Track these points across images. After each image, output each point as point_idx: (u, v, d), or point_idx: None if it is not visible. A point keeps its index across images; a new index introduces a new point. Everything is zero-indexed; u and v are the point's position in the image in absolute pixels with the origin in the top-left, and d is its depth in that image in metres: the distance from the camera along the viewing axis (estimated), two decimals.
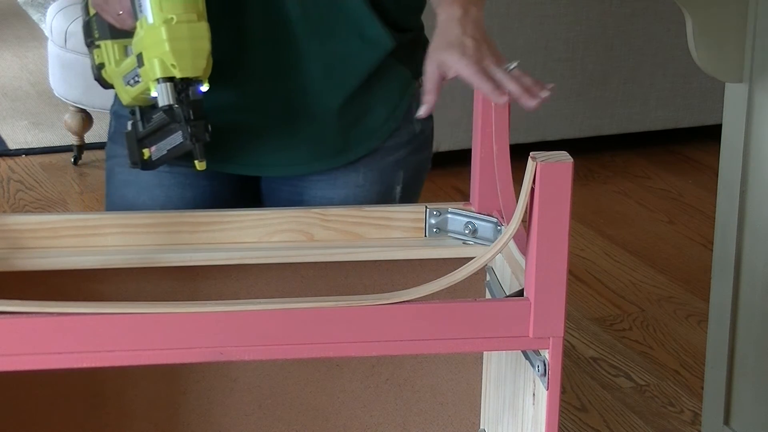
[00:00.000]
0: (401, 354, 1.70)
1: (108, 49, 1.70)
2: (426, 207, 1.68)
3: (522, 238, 1.49)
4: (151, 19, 1.56)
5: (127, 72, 1.66)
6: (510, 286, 1.57)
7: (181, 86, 1.54)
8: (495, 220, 1.65)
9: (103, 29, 1.69)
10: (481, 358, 1.74)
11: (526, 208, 1.42)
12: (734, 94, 2.23)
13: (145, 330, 1.37)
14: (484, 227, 1.66)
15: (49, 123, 4.58)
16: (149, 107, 1.64)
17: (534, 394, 1.49)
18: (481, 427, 1.75)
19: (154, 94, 1.57)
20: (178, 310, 1.38)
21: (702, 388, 2.48)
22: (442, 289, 1.43)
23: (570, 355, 2.97)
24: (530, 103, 1.50)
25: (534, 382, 1.49)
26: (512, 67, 1.53)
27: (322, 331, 1.39)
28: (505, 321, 1.42)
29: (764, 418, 2.26)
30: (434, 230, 1.68)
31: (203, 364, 1.67)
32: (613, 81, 4.16)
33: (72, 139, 4.22)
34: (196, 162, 1.58)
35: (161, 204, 1.79)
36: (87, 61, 4.51)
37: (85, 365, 1.38)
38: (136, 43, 1.59)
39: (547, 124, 4.06)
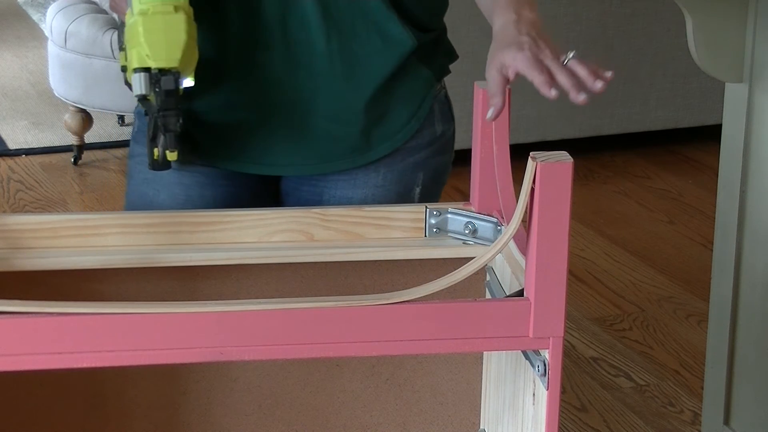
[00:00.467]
0: (401, 354, 1.70)
1: None
2: (426, 207, 1.68)
3: (522, 238, 1.49)
4: (132, 11, 1.58)
5: None
6: (510, 286, 1.57)
7: (156, 77, 1.55)
8: (495, 220, 1.65)
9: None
10: (481, 358, 1.74)
11: (526, 208, 1.42)
12: (734, 94, 2.23)
13: (145, 330, 1.37)
14: (484, 227, 1.66)
15: (49, 123, 4.58)
16: None
17: (534, 394, 1.49)
18: (481, 427, 1.75)
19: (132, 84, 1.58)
20: (178, 310, 1.38)
21: (702, 388, 2.48)
22: (442, 289, 1.43)
23: (570, 355, 2.97)
24: (578, 97, 1.49)
25: (534, 382, 1.49)
26: (569, 57, 1.53)
27: (322, 331, 1.39)
28: (505, 321, 1.42)
29: (764, 418, 2.26)
30: (434, 230, 1.68)
31: (203, 364, 1.67)
32: (613, 81, 4.15)
33: (72, 139, 4.23)
34: (167, 152, 1.58)
35: (181, 202, 1.80)
36: (87, 61, 4.50)
37: (85, 365, 1.38)
38: (125, 36, 1.61)
39: (547, 124, 4.06)
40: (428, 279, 1.48)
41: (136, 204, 1.82)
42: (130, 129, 3.58)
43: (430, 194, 1.85)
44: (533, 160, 1.41)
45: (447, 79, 1.88)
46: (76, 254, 1.61)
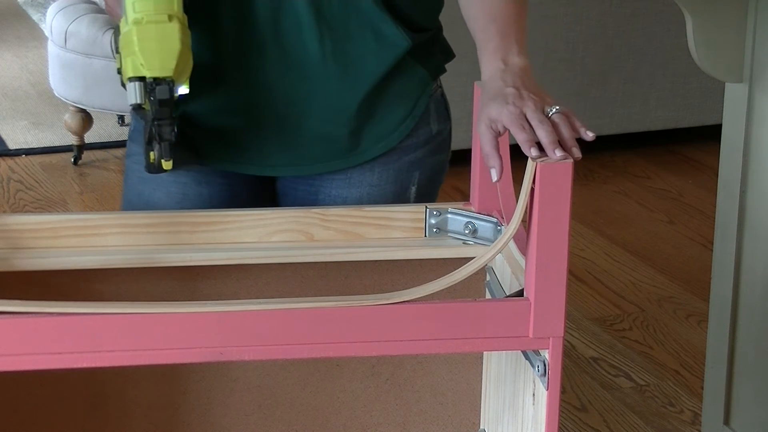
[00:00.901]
0: (401, 354, 1.70)
1: None
2: (426, 207, 1.68)
3: (522, 238, 1.50)
4: (126, 20, 1.57)
5: None
6: (510, 286, 1.57)
7: (150, 86, 1.55)
8: (495, 220, 1.65)
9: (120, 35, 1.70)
10: (481, 358, 1.74)
11: (526, 208, 1.42)
12: (734, 94, 2.23)
13: (145, 330, 1.37)
14: (484, 227, 1.66)
15: (49, 123, 4.58)
16: None
17: (534, 394, 1.49)
18: (481, 427, 1.75)
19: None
20: (178, 310, 1.38)
21: (702, 388, 2.48)
22: (442, 289, 1.43)
23: (570, 355, 2.97)
24: (554, 154, 1.43)
25: (534, 382, 1.49)
26: (553, 111, 1.49)
27: (322, 331, 1.39)
28: (505, 321, 1.42)
29: (764, 418, 2.26)
30: (434, 230, 1.68)
31: (203, 364, 1.67)
32: (613, 81, 4.16)
33: (72, 139, 4.23)
34: (162, 161, 1.58)
35: (178, 200, 1.80)
36: (87, 61, 4.49)
37: (85, 365, 1.38)
38: (119, 44, 1.61)
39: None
40: (428, 279, 1.48)
41: (132, 202, 1.82)
42: None
43: (426, 193, 1.85)
44: (533, 160, 1.41)
45: (447, 80, 1.87)
46: (76, 254, 1.61)
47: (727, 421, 2.34)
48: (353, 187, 1.81)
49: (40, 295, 1.49)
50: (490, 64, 1.59)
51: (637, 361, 2.97)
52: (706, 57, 2.17)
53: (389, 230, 1.67)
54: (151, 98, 1.55)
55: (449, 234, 1.68)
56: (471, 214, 1.67)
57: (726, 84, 2.23)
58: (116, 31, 1.70)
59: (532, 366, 1.48)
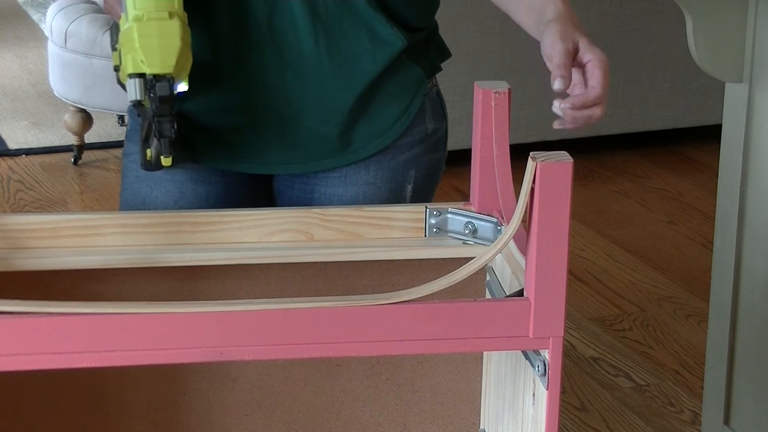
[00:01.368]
0: (401, 354, 1.70)
1: None
2: (426, 207, 1.68)
3: (522, 238, 1.49)
4: (127, 17, 1.58)
5: None
6: (510, 286, 1.57)
7: (150, 83, 1.56)
8: (495, 220, 1.65)
9: (119, 32, 1.70)
10: (481, 358, 1.74)
11: (526, 208, 1.42)
12: (734, 94, 2.23)
13: (145, 330, 1.37)
14: (484, 227, 1.66)
15: (49, 123, 4.59)
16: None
17: (534, 394, 1.49)
18: (481, 427, 1.75)
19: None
20: (178, 310, 1.38)
21: (702, 388, 2.48)
22: (442, 289, 1.43)
23: (570, 355, 2.97)
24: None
25: (534, 382, 1.49)
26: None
27: (322, 331, 1.39)
28: (505, 321, 1.42)
29: (764, 418, 2.26)
30: (434, 230, 1.68)
31: (203, 364, 1.67)
32: (613, 81, 4.14)
33: (72, 139, 4.23)
34: (161, 157, 1.58)
35: (175, 199, 1.80)
36: (87, 61, 4.50)
37: (85, 365, 1.38)
38: (119, 41, 1.61)
39: (547, 124, 4.05)
40: (428, 279, 1.48)
41: (130, 201, 1.83)
42: None
43: (423, 192, 1.85)
44: (533, 160, 1.41)
45: (447, 79, 1.88)
46: (76, 254, 1.61)
47: (727, 421, 2.34)
48: (349, 186, 1.81)
49: (40, 295, 1.49)
50: (553, 5, 1.62)
51: (637, 361, 2.97)
52: (706, 57, 2.18)
53: (389, 230, 1.67)
54: (151, 95, 1.56)
55: (449, 234, 1.68)
56: (471, 214, 1.67)
57: (726, 84, 2.23)
58: (113, 29, 1.70)
59: (532, 366, 1.48)
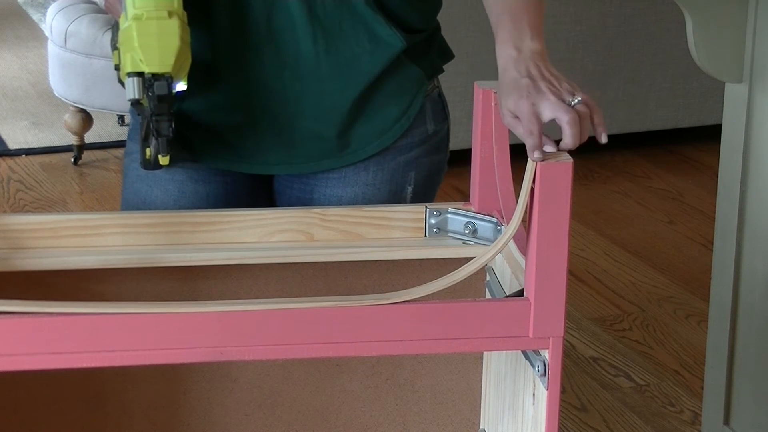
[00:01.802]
0: (401, 354, 1.70)
1: None
2: (426, 207, 1.68)
3: (522, 238, 1.49)
4: (126, 16, 1.58)
5: None
6: (510, 286, 1.57)
7: (149, 81, 1.56)
8: (495, 220, 1.65)
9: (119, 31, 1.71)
10: (481, 358, 1.74)
11: (526, 208, 1.42)
12: (734, 94, 2.22)
13: (146, 330, 1.37)
14: (484, 227, 1.66)
15: (49, 123, 4.58)
16: None
17: (534, 394, 1.49)
18: (481, 427, 1.75)
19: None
20: (178, 310, 1.38)
21: (702, 388, 2.48)
22: (442, 289, 1.43)
23: (570, 355, 2.97)
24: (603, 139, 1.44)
25: (534, 382, 1.49)
26: (575, 102, 1.46)
27: (322, 331, 1.39)
28: (505, 321, 1.42)
29: (764, 418, 2.26)
30: (434, 230, 1.68)
31: (203, 364, 1.67)
32: (613, 81, 4.16)
33: (72, 139, 4.22)
34: (159, 156, 1.58)
35: (175, 198, 1.80)
36: (87, 61, 4.49)
37: (85, 365, 1.38)
38: (119, 40, 1.61)
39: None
40: (428, 279, 1.48)
41: (130, 201, 1.83)
42: None
43: (423, 193, 1.85)
44: (533, 160, 1.41)
45: (447, 80, 1.87)
46: (76, 254, 1.61)
47: (727, 421, 2.34)
48: (348, 186, 1.81)
49: (40, 295, 1.49)
50: (504, 51, 1.54)
51: (637, 361, 2.97)
52: (706, 57, 2.17)
53: (389, 230, 1.67)
54: (150, 94, 1.56)
55: (449, 234, 1.68)
56: (471, 214, 1.67)
57: (726, 84, 2.23)
58: (114, 28, 1.70)
59: (532, 366, 1.48)
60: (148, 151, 1.61)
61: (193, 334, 1.38)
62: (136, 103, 1.58)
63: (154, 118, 1.56)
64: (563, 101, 1.47)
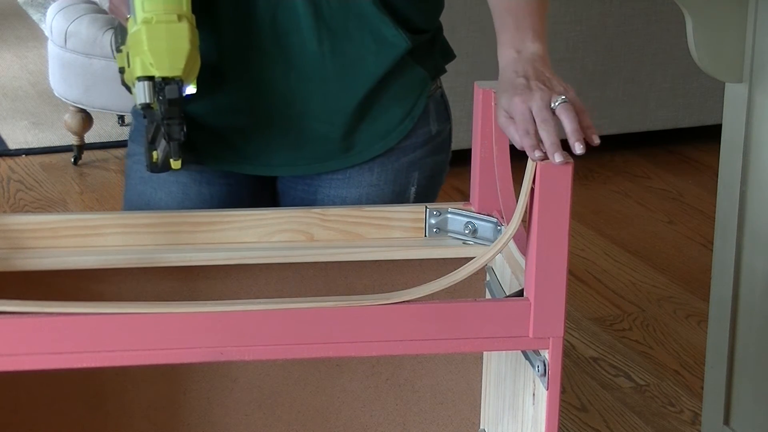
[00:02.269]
0: (401, 354, 1.70)
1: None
2: (426, 207, 1.68)
3: (522, 238, 1.49)
4: (135, 19, 1.57)
5: None
6: (510, 286, 1.57)
7: (159, 85, 1.55)
8: (495, 220, 1.65)
9: (124, 34, 1.70)
10: (481, 358, 1.74)
11: (526, 208, 1.42)
12: (734, 94, 2.23)
13: (145, 330, 1.37)
14: (484, 227, 1.66)
15: (49, 123, 4.58)
16: None
17: (534, 394, 1.49)
18: (481, 427, 1.75)
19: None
20: (178, 310, 1.38)
21: (702, 388, 2.48)
22: (442, 289, 1.43)
23: (570, 355, 2.97)
24: (554, 160, 1.41)
25: (534, 382, 1.49)
26: (557, 104, 1.46)
27: (322, 331, 1.39)
28: (505, 321, 1.42)
29: (764, 418, 2.26)
30: (434, 230, 1.68)
31: (203, 364, 1.67)
32: (613, 81, 4.16)
33: (72, 139, 4.23)
34: (171, 161, 1.58)
35: (179, 200, 1.80)
36: (87, 61, 4.50)
37: (85, 365, 1.38)
38: (127, 43, 1.60)
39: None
40: (428, 279, 1.48)
41: (134, 203, 1.82)
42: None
43: (426, 194, 1.85)
44: (533, 160, 1.41)
45: (447, 80, 1.87)
46: (76, 254, 1.61)
47: (727, 421, 2.34)
48: (352, 187, 1.81)
49: (40, 295, 1.49)
50: (504, 54, 1.56)
51: (637, 361, 2.97)
52: (706, 57, 2.17)
53: (389, 230, 1.67)
54: (160, 98, 1.55)
55: (449, 234, 1.68)
56: (471, 214, 1.67)
57: (726, 84, 2.23)
58: (117, 31, 1.69)
59: (532, 366, 1.48)
60: (154, 154, 1.61)
61: (193, 334, 1.38)
62: (146, 107, 1.57)
63: (165, 122, 1.56)
64: (548, 105, 1.47)
